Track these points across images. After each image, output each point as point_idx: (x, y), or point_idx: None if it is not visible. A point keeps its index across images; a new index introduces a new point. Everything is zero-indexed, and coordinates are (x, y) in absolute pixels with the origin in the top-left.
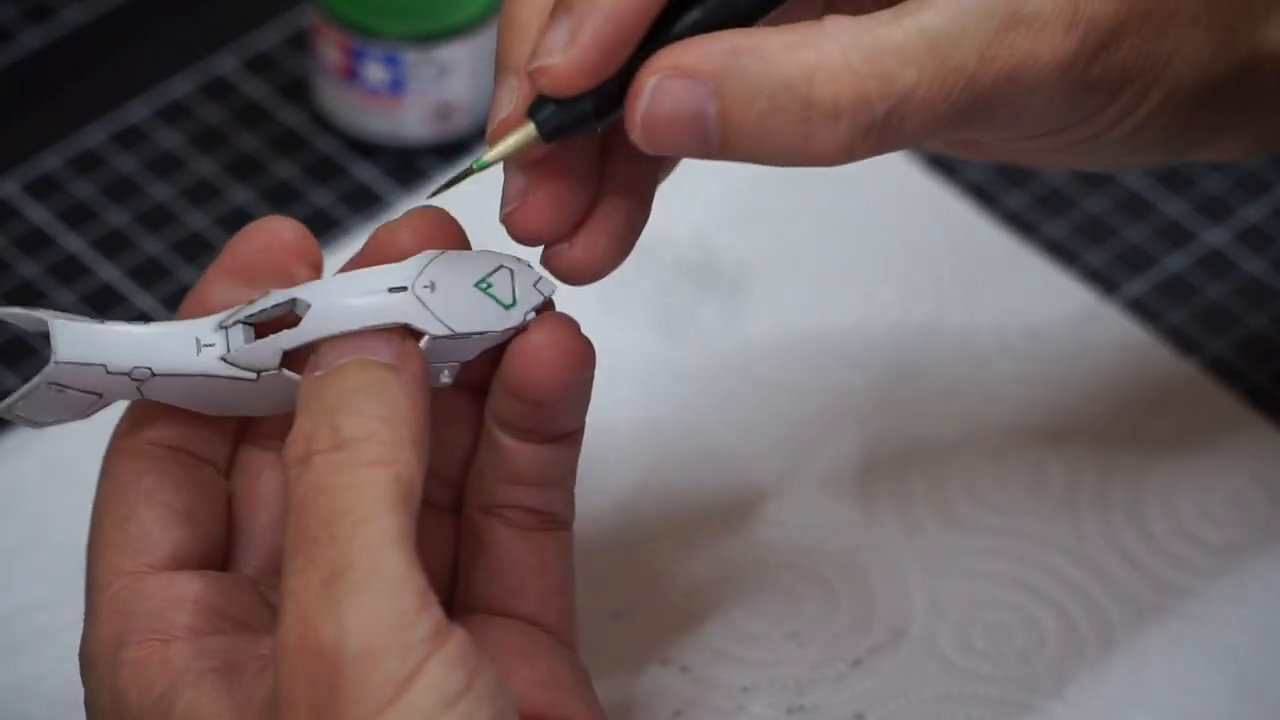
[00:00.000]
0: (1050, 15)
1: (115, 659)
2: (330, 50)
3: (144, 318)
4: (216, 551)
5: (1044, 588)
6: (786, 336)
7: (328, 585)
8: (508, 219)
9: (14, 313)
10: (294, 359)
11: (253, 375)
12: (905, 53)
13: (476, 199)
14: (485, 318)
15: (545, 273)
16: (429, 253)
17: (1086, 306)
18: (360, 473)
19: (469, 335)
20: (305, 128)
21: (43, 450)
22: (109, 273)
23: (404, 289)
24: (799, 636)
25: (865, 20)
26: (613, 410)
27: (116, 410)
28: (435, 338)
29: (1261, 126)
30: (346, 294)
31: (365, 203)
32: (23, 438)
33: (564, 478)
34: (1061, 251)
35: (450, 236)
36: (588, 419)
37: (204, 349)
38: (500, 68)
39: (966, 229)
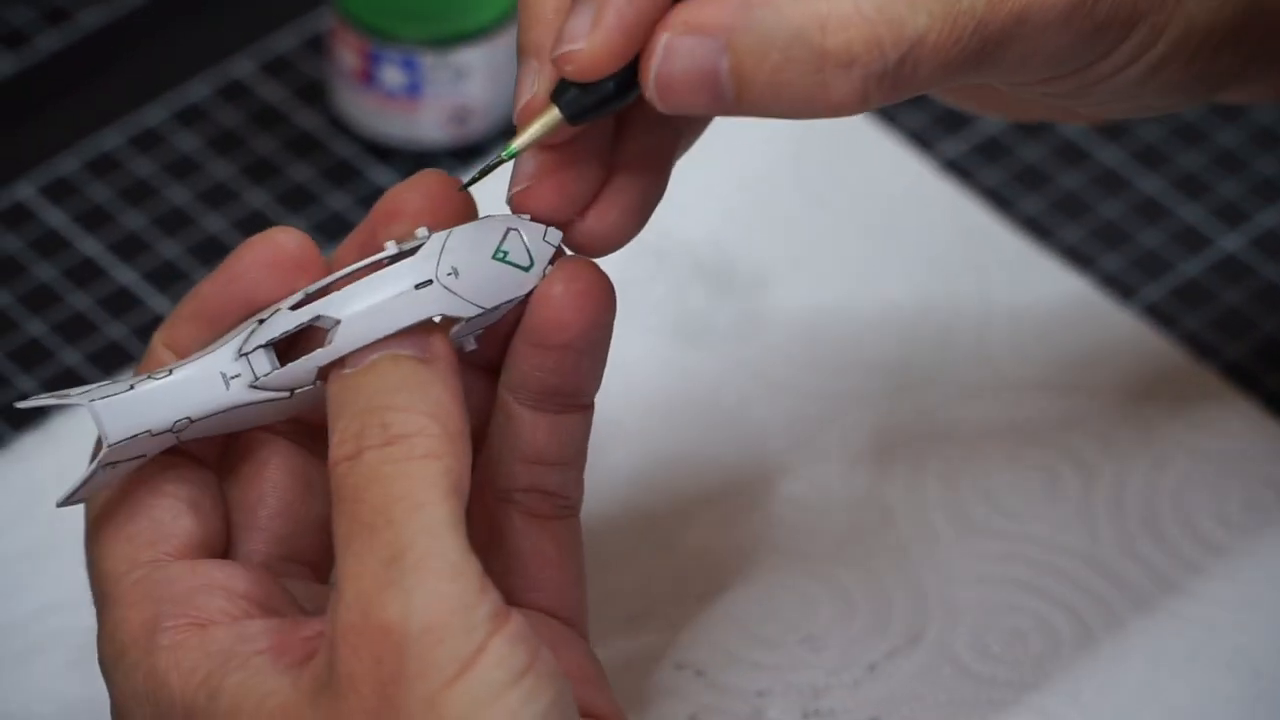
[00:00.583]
0: None
1: (150, 644)
2: (347, 53)
3: (160, 320)
4: (221, 541)
5: (1058, 592)
6: (801, 339)
7: (388, 566)
8: (517, 197)
9: (48, 401)
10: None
11: (286, 393)
12: None
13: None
14: (509, 285)
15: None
16: (437, 235)
17: (1103, 311)
18: (414, 464)
19: (498, 307)
20: (322, 131)
21: (57, 455)
22: (126, 276)
23: (429, 282)
24: (815, 641)
25: None
26: (628, 413)
27: None
28: (469, 319)
29: None
30: (373, 300)
31: None
32: (36, 442)
33: (577, 455)
34: (1078, 256)
35: (454, 198)
36: (602, 423)
37: (231, 382)
38: (521, 51)
39: (983, 233)
